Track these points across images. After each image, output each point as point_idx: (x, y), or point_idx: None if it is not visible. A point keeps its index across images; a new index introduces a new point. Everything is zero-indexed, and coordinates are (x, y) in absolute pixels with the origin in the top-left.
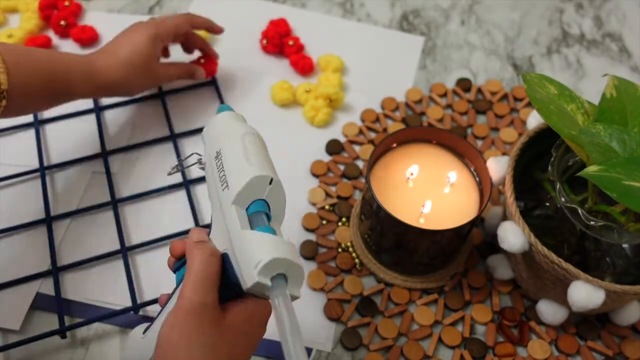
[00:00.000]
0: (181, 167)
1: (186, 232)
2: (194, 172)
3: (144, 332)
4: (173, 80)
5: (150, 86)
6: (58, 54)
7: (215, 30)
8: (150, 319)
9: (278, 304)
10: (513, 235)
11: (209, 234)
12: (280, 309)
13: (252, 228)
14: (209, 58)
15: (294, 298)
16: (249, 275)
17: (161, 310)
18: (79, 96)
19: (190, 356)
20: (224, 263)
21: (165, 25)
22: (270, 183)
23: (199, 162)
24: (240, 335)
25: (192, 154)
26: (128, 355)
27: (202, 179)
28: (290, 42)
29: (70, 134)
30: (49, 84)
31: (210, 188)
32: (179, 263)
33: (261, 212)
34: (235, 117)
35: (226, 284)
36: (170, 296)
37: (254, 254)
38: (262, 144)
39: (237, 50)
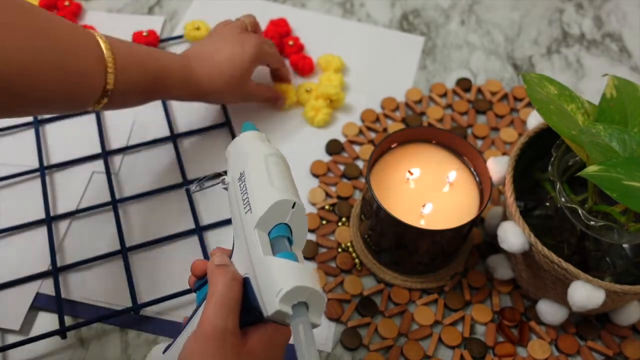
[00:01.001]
0: (202, 187)
1: (187, 233)
2: (194, 173)
3: (164, 352)
4: (259, 101)
5: (240, 101)
6: (160, 54)
7: (280, 76)
8: (151, 319)
9: (299, 332)
10: (513, 235)
11: (230, 255)
12: (301, 337)
13: (274, 253)
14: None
15: (314, 326)
16: (270, 303)
17: (182, 330)
18: (172, 98)
19: None
20: (245, 287)
21: (266, 52)
22: (293, 207)
23: (222, 182)
24: None
25: (215, 173)
26: None
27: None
28: (290, 42)
29: (70, 134)
30: (149, 86)
31: (232, 209)
32: (199, 282)
33: (283, 237)
34: (259, 137)
35: (247, 309)
36: (190, 317)
37: (276, 282)
38: (286, 165)
39: None
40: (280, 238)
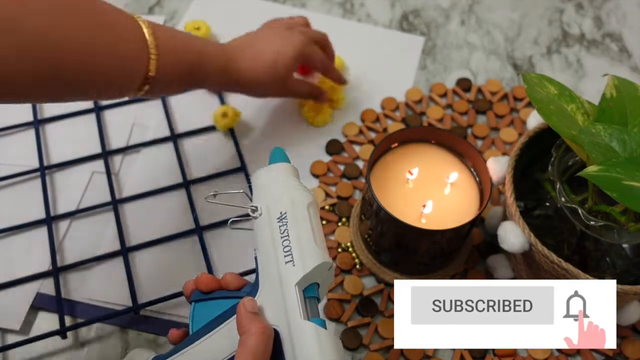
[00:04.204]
0: (216, 194)
1: (187, 233)
2: (195, 173)
3: None
4: (300, 97)
5: (280, 96)
6: (200, 40)
7: (339, 80)
8: (151, 319)
9: None
10: (513, 235)
11: (252, 292)
12: None
13: (308, 316)
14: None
15: None
16: None
17: (175, 353)
18: (212, 87)
19: None
20: (275, 340)
21: (310, 50)
22: (329, 269)
23: (252, 210)
24: None
25: (240, 192)
26: None
27: (202, 180)
28: None
29: (70, 134)
30: (188, 75)
31: (264, 247)
32: (199, 296)
33: (315, 298)
34: (295, 173)
35: None
36: (188, 342)
37: (312, 354)
38: (319, 215)
39: None
40: (312, 299)
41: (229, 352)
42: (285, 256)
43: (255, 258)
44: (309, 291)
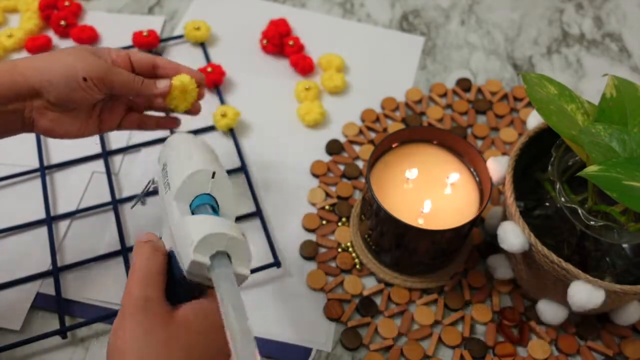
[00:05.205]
0: (140, 198)
1: None
2: None
3: None
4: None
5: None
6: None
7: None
8: None
9: (219, 283)
10: (513, 235)
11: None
12: (222, 289)
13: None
14: (216, 69)
15: (241, 277)
16: (186, 257)
17: None
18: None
19: (141, 358)
20: (171, 260)
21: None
22: (213, 177)
23: (152, 181)
24: (196, 334)
25: (149, 182)
26: None
27: None
28: (291, 42)
29: None
30: None
31: (160, 201)
32: None
33: (205, 205)
34: (186, 135)
35: (176, 282)
36: None
37: (190, 234)
38: (208, 146)
39: (237, 50)
40: (201, 206)
41: None
42: (165, 188)
43: None
44: (197, 201)
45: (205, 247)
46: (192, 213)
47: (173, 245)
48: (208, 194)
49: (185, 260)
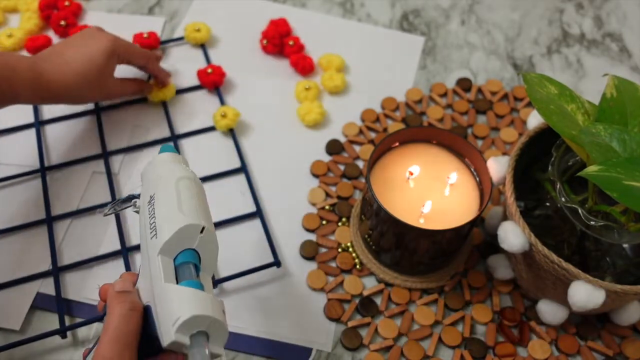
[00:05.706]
0: (116, 210)
1: None
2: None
3: None
4: (127, 95)
5: (102, 99)
6: (9, 58)
7: (162, 81)
8: None
9: None
10: (513, 235)
11: (135, 282)
12: None
13: (177, 281)
14: (216, 70)
15: (215, 357)
16: (167, 333)
17: None
18: (24, 102)
19: None
20: (146, 316)
21: (123, 45)
22: (201, 232)
23: (134, 205)
24: None
25: (129, 195)
26: None
27: (202, 180)
28: (291, 42)
29: (71, 134)
30: None
31: (141, 233)
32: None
33: (189, 264)
34: (174, 159)
35: (148, 338)
36: (90, 350)
37: (174, 310)
38: (200, 189)
39: (237, 50)
40: (185, 265)
41: None
42: (150, 232)
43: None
44: (182, 258)
45: (188, 328)
46: (175, 269)
47: (152, 303)
48: (194, 250)
49: (165, 337)
